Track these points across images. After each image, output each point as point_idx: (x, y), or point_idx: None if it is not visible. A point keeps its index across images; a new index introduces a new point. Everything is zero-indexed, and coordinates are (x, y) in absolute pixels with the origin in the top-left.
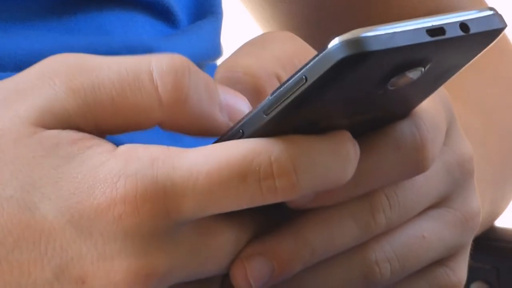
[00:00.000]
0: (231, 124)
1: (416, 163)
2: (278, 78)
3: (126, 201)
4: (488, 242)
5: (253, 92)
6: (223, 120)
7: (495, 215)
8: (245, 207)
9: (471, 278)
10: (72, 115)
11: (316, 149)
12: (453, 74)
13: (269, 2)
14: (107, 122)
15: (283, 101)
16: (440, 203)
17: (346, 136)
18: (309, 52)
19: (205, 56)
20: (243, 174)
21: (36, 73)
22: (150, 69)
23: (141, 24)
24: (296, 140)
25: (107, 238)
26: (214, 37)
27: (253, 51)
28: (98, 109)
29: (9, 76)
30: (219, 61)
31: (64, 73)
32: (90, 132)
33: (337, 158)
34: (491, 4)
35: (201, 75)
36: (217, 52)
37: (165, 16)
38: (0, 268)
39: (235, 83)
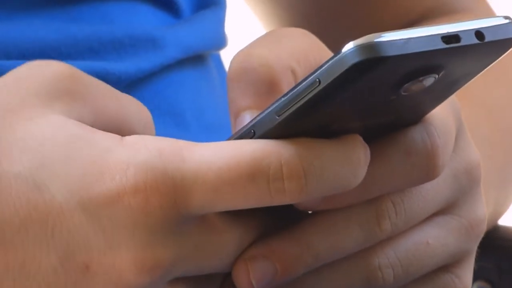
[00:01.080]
0: None
1: (426, 170)
2: (293, 72)
3: (136, 190)
4: (490, 241)
5: (267, 84)
6: None
7: (499, 214)
8: (252, 206)
9: (473, 277)
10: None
11: (326, 153)
12: (466, 82)
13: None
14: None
15: (296, 103)
16: (446, 209)
17: (357, 141)
18: (322, 49)
19: (209, 45)
20: (252, 174)
21: (34, 66)
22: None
23: (144, 13)
24: (307, 143)
25: (116, 226)
26: (218, 27)
27: (269, 44)
28: (105, 112)
29: (14, 64)
30: (223, 51)
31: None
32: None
33: (347, 164)
34: (490, 4)
35: None
36: (221, 42)
37: (168, 5)
38: (4, 249)
39: (249, 74)
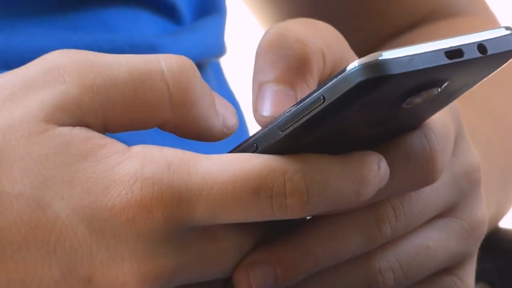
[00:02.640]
0: (226, 131)
1: (425, 174)
2: (323, 57)
3: (141, 205)
4: (491, 243)
5: (300, 60)
6: (220, 125)
7: (500, 216)
8: (253, 220)
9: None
10: (83, 112)
11: (330, 171)
12: (466, 90)
13: (269, 2)
14: (116, 120)
15: (299, 119)
16: (446, 212)
17: (365, 159)
18: (346, 44)
19: (209, 53)
20: (256, 189)
21: (43, 68)
22: (161, 69)
23: (144, 21)
24: (311, 160)
25: (119, 240)
26: (218, 35)
27: (306, 25)
28: (109, 107)
29: None
30: (222, 60)
31: (75, 69)
32: (98, 130)
33: (350, 182)
34: (490, 3)
35: (202, 79)
36: (221, 49)
37: (169, 13)
38: (5, 266)
39: (284, 48)
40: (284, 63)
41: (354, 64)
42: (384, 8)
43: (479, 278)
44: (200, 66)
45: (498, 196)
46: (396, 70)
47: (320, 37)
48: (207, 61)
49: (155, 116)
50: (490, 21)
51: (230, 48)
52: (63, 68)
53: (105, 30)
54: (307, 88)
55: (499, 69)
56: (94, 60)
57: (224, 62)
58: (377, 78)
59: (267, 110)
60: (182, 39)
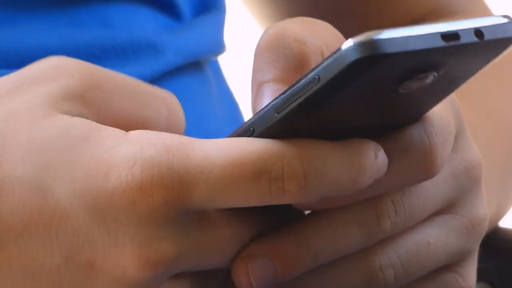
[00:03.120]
0: None
1: (424, 168)
2: (322, 55)
3: (141, 188)
4: (491, 243)
5: (298, 59)
6: None
7: (500, 215)
8: (252, 204)
9: None
10: (87, 106)
11: (328, 156)
12: (464, 81)
13: (268, 2)
14: (114, 124)
15: (295, 100)
16: (447, 209)
17: (363, 147)
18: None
19: (209, 51)
20: (255, 173)
21: (51, 65)
22: (162, 95)
23: (144, 17)
24: (309, 145)
25: (121, 224)
26: (218, 32)
27: (304, 24)
28: (114, 108)
29: None
30: (221, 57)
31: (82, 68)
32: None
33: (347, 168)
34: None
35: None
36: (220, 47)
37: (169, 8)
38: (7, 252)
39: (283, 47)
40: (283, 63)
41: (349, 42)
42: (382, 7)
43: (479, 278)
44: (199, 64)
45: (498, 195)
46: (391, 50)
47: (319, 36)
48: (206, 59)
49: (151, 129)
50: None
51: (229, 47)
52: (71, 66)
53: (105, 27)
54: None
55: (496, 59)
56: (99, 67)
57: (222, 61)
58: (371, 56)
59: None
60: (181, 36)
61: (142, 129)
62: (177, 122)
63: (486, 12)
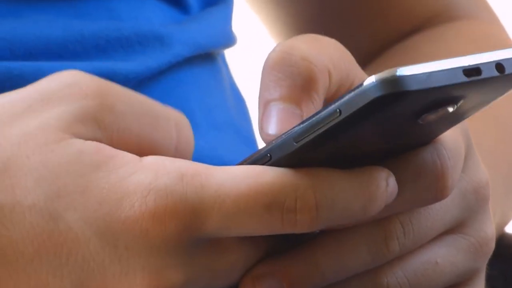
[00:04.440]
0: None
1: (435, 191)
2: (329, 74)
3: (154, 217)
4: (496, 249)
5: (305, 78)
6: None
7: (504, 223)
8: (263, 234)
9: None
10: (101, 129)
11: (340, 186)
12: (480, 109)
13: (273, 3)
14: (125, 147)
15: (315, 131)
16: (455, 229)
17: (374, 176)
18: (352, 60)
19: (217, 44)
20: (268, 204)
21: (64, 82)
22: (172, 118)
23: (151, 9)
24: (322, 175)
25: (132, 252)
26: (225, 25)
27: (311, 42)
28: (125, 133)
29: (21, 66)
30: (231, 50)
31: (96, 87)
32: None
33: (358, 198)
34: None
35: None
36: (230, 40)
37: (176, 1)
38: (17, 278)
39: (290, 66)
40: (290, 81)
41: (372, 79)
42: (387, 9)
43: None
44: (209, 56)
45: (503, 203)
46: (413, 87)
47: (326, 54)
48: (216, 51)
49: (159, 154)
50: (494, 23)
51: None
52: (85, 85)
53: (111, 18)
54: (313, 106)
55: None
56: (113, 85)
57: (232, 54)
58: (395, 94)
59: (273, 129)
60: (188, 28)
61: (152, 150)
62: (186, 145)
63: (491, 14)
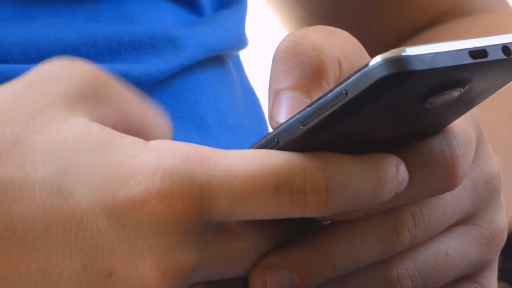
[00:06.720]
0: None
1: (445, 180)
2: (340, 65)
3: (161, 196)
4: (510, 242)
5: (316, 68)
6: None
7: None
8: (273, 217)
9: None
10: (101, 109)
11: (349, 170)
12: (488, 96)
13: None
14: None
15: (321, 114)
16: (466, 220)
17: (384, 161)
18: (363, 52)
19: (229, 46)
20: (277, 185)
21: (64, 64)
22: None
23: (165, 11)
24: (331, 158)
25: (140, 232)
26: (239, 27)
27: (322, 33)
28: (125, 117)
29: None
30: (243, 53)
31: (96, 72)
32: None
33: (368, 182)
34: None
35: None
36: (242, 42)
37: (189, 4)
38: (26, 254)
39: (300, 55)
40: (300, 70)
41: (377, 59)
42: (401, 3)
43: (499, 276)
44: (221, 58)
45: None
46: (419, 67)
47: (337, 45)
48: (228, 53)
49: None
50: (510, 17)
51: (251, 42)
52: (86, 67)
53: (125, 21)
54: None
55: None
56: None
57: (245, 56)
58: (400, 73)
59: (282, 117)
60: (201, 31)
61: (143, 131)
62: (169, 135)
63: (506, 8)
